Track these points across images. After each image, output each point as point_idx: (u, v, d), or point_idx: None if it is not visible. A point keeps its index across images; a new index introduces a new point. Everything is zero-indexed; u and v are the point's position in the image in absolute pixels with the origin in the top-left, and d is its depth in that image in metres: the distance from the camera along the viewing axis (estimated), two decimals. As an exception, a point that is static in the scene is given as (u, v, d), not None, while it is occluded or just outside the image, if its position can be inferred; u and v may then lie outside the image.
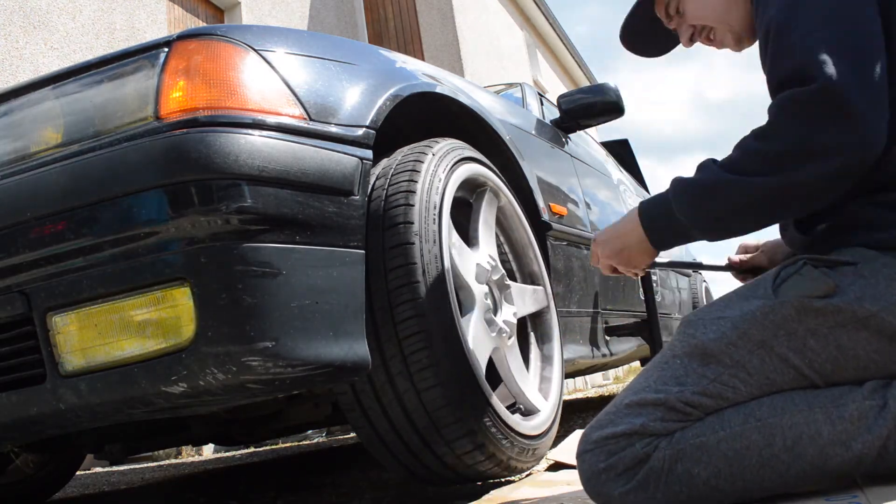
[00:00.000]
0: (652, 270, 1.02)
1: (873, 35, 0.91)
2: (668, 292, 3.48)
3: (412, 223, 1.20)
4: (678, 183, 1.01)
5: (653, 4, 1.25)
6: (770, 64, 0.95)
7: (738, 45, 1.18)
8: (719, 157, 1.00)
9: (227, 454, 4.05)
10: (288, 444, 4.11)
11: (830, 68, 0.86)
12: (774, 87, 0.93)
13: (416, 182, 1.25)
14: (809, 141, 0.88)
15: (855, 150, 0.87)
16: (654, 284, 2.78)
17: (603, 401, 3.81)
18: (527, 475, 1.46)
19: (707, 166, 0.98)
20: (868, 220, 0.93)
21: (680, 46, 1.30)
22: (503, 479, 1.41)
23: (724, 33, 1.17)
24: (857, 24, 0.91)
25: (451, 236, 1.32)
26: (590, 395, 5.17)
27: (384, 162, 1.33)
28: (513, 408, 1.44)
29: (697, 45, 1.24)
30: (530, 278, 1.73)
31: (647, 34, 1.30)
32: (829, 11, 0.91)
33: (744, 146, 0.95)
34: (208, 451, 4.31)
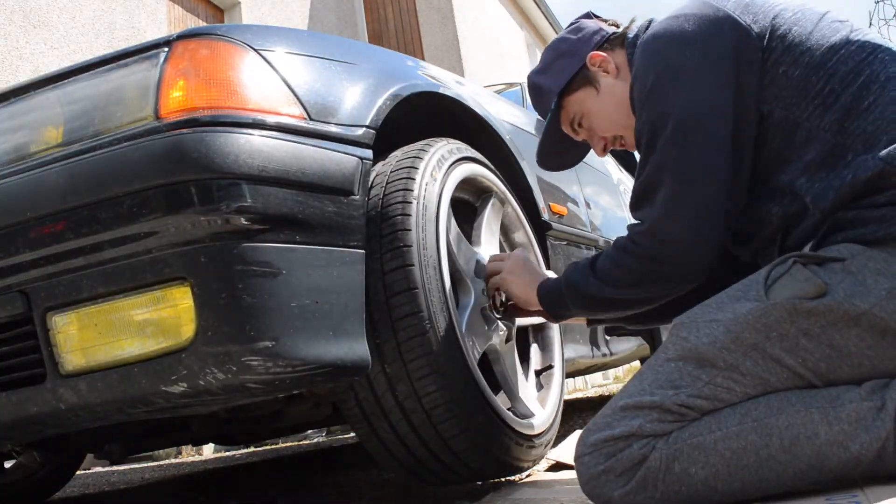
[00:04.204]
0: None
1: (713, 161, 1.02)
2: (668, 292, 3.48)
3: (409, 215, 1.21)
4: (566, 277, 1.22)
5: (559, 124, 1.36)
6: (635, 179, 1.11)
7: None
8: None
9: (227, 454, 4.05)
10: (288, 444, 4.11)
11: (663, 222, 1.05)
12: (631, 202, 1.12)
13: (414, 180, 1.26)
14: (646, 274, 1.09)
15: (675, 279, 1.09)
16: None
17: (603, 400, 3.81)
18: (527, 475, 1.46)
19: (580, 267, 1.19)
20: (850, 220, 0.94)
21: None
22: (503, 479, 1.41)
23: (632, 138, 1.22)
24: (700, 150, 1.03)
25: (449, 229, 1.33)
26: (590, 395, 5.17)
27: (383, 161, 1.33)
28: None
29: None
30: None
31: (560, 151, 1.43)
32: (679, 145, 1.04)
33: (608, 253, 1.14)
34: (208, 451, 4.31)
